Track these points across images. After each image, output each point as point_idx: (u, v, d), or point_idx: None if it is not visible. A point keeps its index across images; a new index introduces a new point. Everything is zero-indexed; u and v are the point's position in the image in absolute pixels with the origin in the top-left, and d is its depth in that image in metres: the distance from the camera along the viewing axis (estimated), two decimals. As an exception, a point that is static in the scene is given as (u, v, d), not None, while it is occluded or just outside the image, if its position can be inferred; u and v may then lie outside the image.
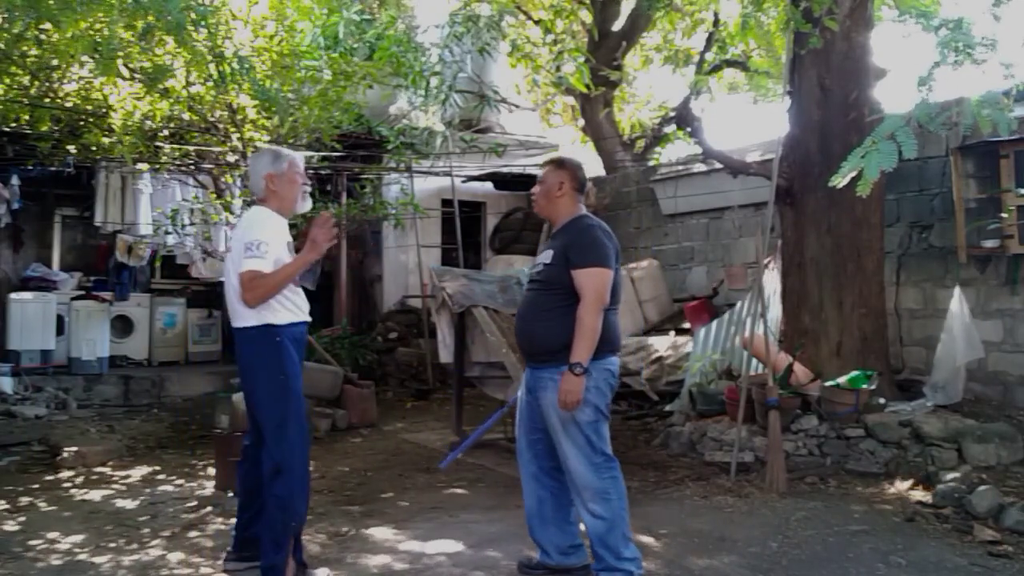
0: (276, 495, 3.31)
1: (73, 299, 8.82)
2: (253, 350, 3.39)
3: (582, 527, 3.41)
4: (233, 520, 3.65)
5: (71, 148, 6.83)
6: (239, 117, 6.45)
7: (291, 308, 3.44)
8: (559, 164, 3.58)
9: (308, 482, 3.47)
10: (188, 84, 6.19)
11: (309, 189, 3.69)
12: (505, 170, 10.11)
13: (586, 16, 12.04)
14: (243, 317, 3.38)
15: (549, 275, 3.37)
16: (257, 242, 3.33)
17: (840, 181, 3.33)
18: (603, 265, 3.29)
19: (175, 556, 3.80)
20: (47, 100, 6.59)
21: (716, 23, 10.14)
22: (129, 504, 4.73)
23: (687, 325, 8.21)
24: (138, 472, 5.51)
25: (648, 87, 15.83)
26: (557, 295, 3.32)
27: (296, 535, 3.42)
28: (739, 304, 6.79)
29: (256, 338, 3.38)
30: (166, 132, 6.71)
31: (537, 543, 3.52)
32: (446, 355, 6.39)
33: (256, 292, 3.31)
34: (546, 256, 3.43)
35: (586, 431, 3.27)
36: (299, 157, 3.68)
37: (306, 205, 3.70)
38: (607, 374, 3.34)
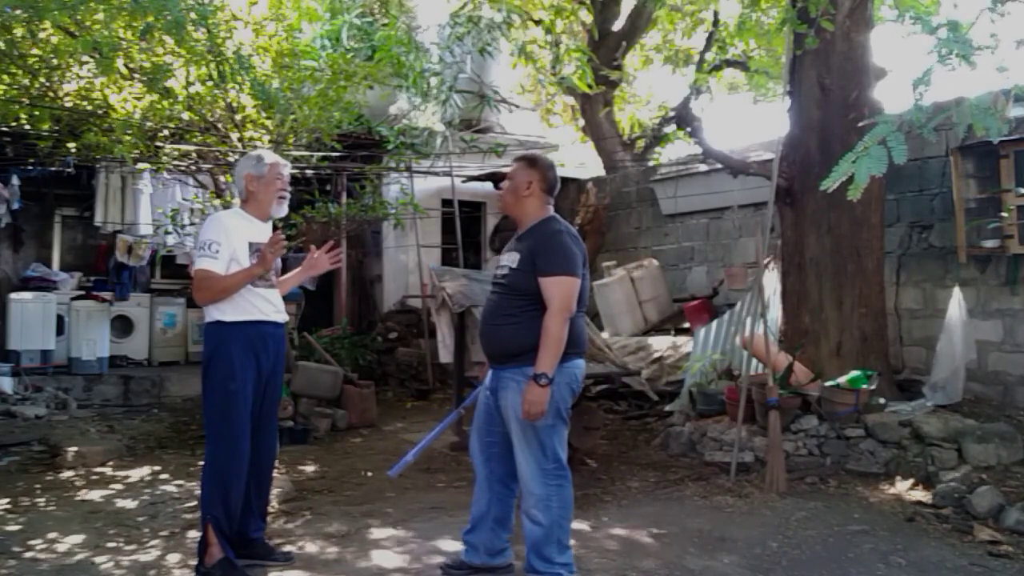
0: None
1: (73, 299, 8.82)
2: (206, 345, 3.58)
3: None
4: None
5: (71, 148, 6.82)
6: (239, 117, 6.45)
7: (245, 307, 3.54)
8: (530, 162, 3.47)
9: (226, 487, 3.47)
10: (188, 84, 6.19)
11: (287, 195, 3.77)
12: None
13: (586, 16, 12.05)
14: (206, 313, 3.58)
15: (515, 279, 3.30)
16: (210, 242, 3.47)
17: (831, 185, 3.35)
18: (571, 273, 3.23)
19: (174, 556, 3.79)
20: (47, 100, 6.59)
21: (716, 23, 10.14)
22: (129, 504, 4.72)
23: (687, 325, 8.22)
24: (138, 472, 5.50)
25: (648, 87, 15.86)
26: (522, 299, 3.27)
27: (221, 531, 3.44)
28: (739, 304, 6.79)
29: (208, 334, 3.57)
30: (166, 132, 6.70)
31: (468, 542, 3.51)
32: (446, 355, 6.39)
33: (205, 292, 3.49)
34: (511, 259, 3.35)
35: (542, 436, 3.24)
36: (283, 163, 3.76)
37: (282, 210, 3.78)
38: (570, 377, 3.30)
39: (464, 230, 10.31)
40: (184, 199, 8.22)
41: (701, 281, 8.96)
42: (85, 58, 6.06)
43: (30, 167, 7.97)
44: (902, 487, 4.85)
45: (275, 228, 3.82)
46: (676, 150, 11.91)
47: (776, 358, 5.60)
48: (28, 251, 9.66)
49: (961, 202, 6.10)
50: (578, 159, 14.69)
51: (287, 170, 3.79)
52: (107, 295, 9.08)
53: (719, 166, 7.18)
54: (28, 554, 3.84)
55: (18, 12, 5.44)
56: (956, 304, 5.65)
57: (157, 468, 5.62)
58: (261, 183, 3.65)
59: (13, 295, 8.48)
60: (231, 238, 3.52)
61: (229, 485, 3.48)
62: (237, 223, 3.61)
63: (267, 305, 3.62)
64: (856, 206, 5.67)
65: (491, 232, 11.27)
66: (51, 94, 6.62)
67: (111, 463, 5.76)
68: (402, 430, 7.21)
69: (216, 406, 3.51)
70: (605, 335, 7.83)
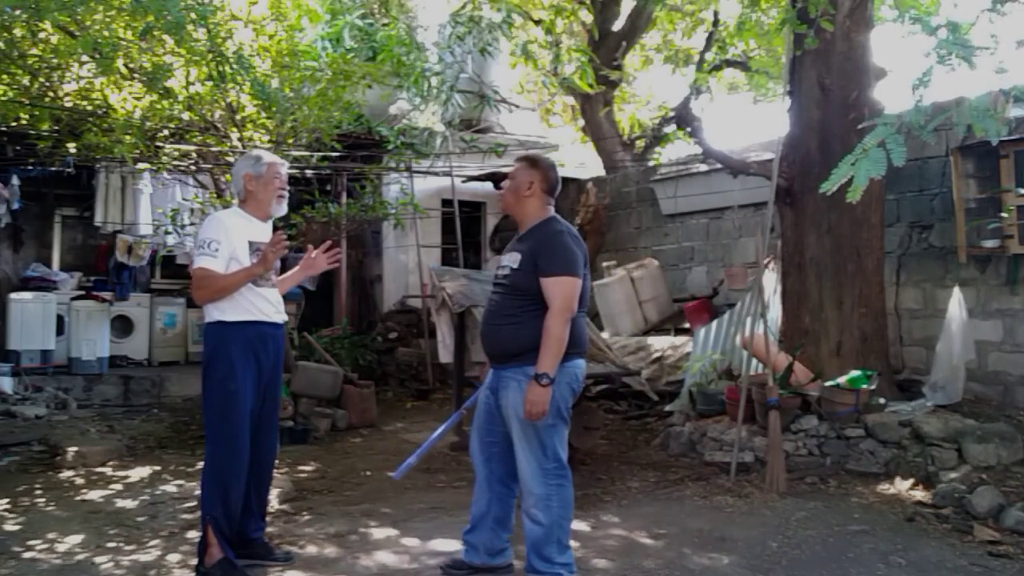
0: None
1: (73, 299, 8.82)
2: (205, 345, 3.59)
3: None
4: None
5: (71, 148, 6.82)
6: (239, 117, 6.45)
7: (246, 307, 3.54)
8: (531, 163, 3.48)
9: (225, 487, 3.48)
10: (188, 84, 6.19)
11: (286, 194, 3.78)
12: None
13: (586, 16, 12.05)
14: (206, 314, 3.58)
15: (516, 280, 3.31)
16: (209, 240, 3.48)
17: (831, 188, 3.36)
18: (572, 273, 3.23)
19: (174, 556, 3.79)
20: (47, 100, 6.59)
21: (716, 23, 10.14)
22: (129, 504, 4.72)
23: (687, 325, 8.22)
24: (138, 472, 5.50)
25: (648, 87, 15.87)
26: (523, 300, 3.27)
27: (221, 531, 3.45)
28: (739, 304, 6.79)
29: (208, 334, 3.57)
30: (166, 132, 6.71)
31: (468, 542, 3.51)
32: (446, 355, 6.39)
33: (204, 291, 3.49)
34: (513, 260, 3.35)
35: (542, 435, 3.24)
36: (281, 163, 3.78)
37: (281, 209, 3.79)
38: (571, 377, 3.31)
39: (464, 230, 10.31)
40: (184, 199, 8.23)
41: (701, 281, 8.96)
42: (85, 58, 6.06)
43: (30, 167, 7.97)
44: (902, 487, 4.85)
45: (275, 228, 3.83)
46: (676, 150, 11.93)
47: (776, 358, 5.60)
48: (28, 251, 9.66)
49: (961, 202, 6.10)
50: (578, 159, 14.70)
51: (284, 169, 3.79)
52: (107, 295, 9.08)
53: (719, 166, 7.18)
54: (28, 554, 3.84)
55: (18, 12, 5.44)
56: (956, 304, 5.65)
57: (157, 468, 5.62)
58: (260, 182, 3.65)
59: (13, 295, 8.48)
60: (231, 237, 3.52)
61: (229, 485, 3.48)
62: (237, 222, 3.61)
63: (267, 305, 3.62)
64: (856, 206, 5.64)
65: (491, 232, 11.27)
66: (51, 94, 6.62)
67: (111, 463, 5.76)
68: (402, 430, 7.21)
69: (216, 406, 3.52)
70: (605, 335, 7.83)
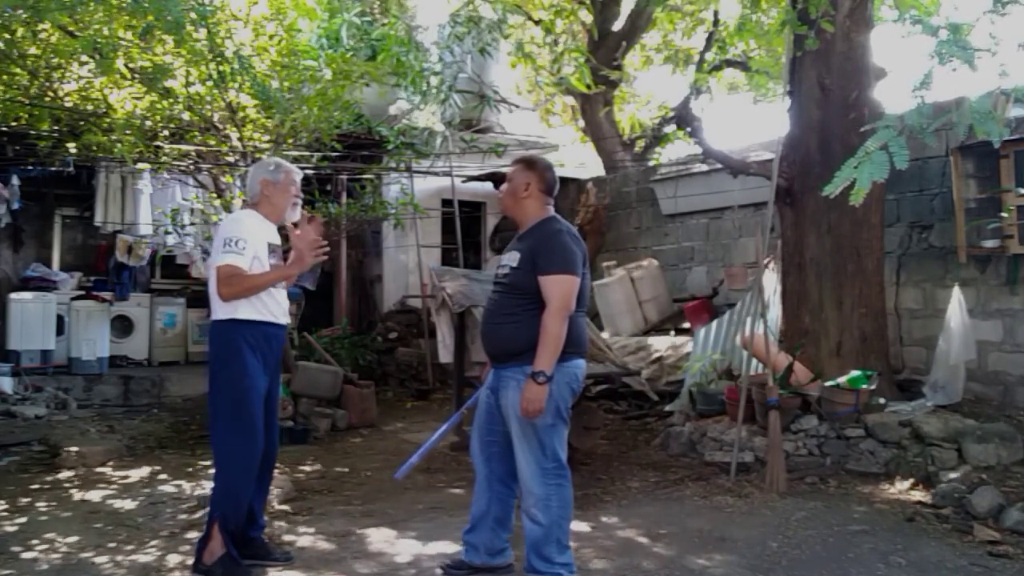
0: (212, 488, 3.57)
1: (73, 299, 8.83)
2: (213, 343, 3.59)
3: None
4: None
5: (71, 148, 6.83)
6: (239, 117, 6.45)
7: (257, 307, 3.56)
8: (528, 164, 3.50)
9: (237, 485, 3.49)
10: (188, 84, 6.19)
11: (300, 201, 3.86)
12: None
13: (586, 16, 12.05)
14: (213, 311, 3.57)
15: (515, 279, 3.32)
16: (236, 238, 3.51)
17: (833, 191, 3.36)
18: (570, 272, 3.24)
19: (174, 556, 3.79)
20: (47, 100, 6.59)
21: (716, 23, 10.13)
22: (129, 504, 4.72)
23: (687, 325, 8.22)
24: (138, 472, 5.50)
25: (648, 87, 15.87)
26: (522, 298, 3.28)
27: (230, 531, 3.46)
28: (739, 304, 6.79)
29: (216, 332, 3.57)
30: (166, 132, 6.71)
31: (468, 542, 3.51)
32: (446, 355, 6.39)
33: (232, 287, 3.48)
34: (512, 259, 3.36)
35: (541, 435, 3.25)
36: (296, 171, 3.87)
37: (295, 215, 3.85)
38: (571, 377, 3.31)
39: (464, 230, 10.31)
40: (184, 199, 8.23)
41: (701, 281, 8.96)
42: (85, 58, 6.06)
43: (30, 167, 7.97)
44: (902, 487, 4.86)
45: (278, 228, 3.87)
46: (676, 150, 11.90)
47: (776, 358, 5.60)
48: (28, 251, 9.67)
49: (961, 202, 6.10)
50: (578, 159, 14.69)
51: (299, 177, 3.87)
52: (107, 295, 9.09)
53: (719, 166, 7.18)
54: (28, 554, 3.84)
55: (18, 12, 5.44)
56: (956, 304, 5.64)
57: (157, 468, 5.62)
58: (277, 188, 3.72)
59: (13, 295, 8.48)
60: (253, 237, 3.56)
61: (240, 484, 3.49)
62: (256, 223, 3.66)
63: (277, 307, 3.66)
64: (856, 206, 5.66)
65: (491, 232, 11.27)
66: (51, 94, 6.62)
67: (111, 463, 5.76)
68: (402, 430, 7.21)
69: (227, 405, 3.51)
70: (605, 335, 7.83)
